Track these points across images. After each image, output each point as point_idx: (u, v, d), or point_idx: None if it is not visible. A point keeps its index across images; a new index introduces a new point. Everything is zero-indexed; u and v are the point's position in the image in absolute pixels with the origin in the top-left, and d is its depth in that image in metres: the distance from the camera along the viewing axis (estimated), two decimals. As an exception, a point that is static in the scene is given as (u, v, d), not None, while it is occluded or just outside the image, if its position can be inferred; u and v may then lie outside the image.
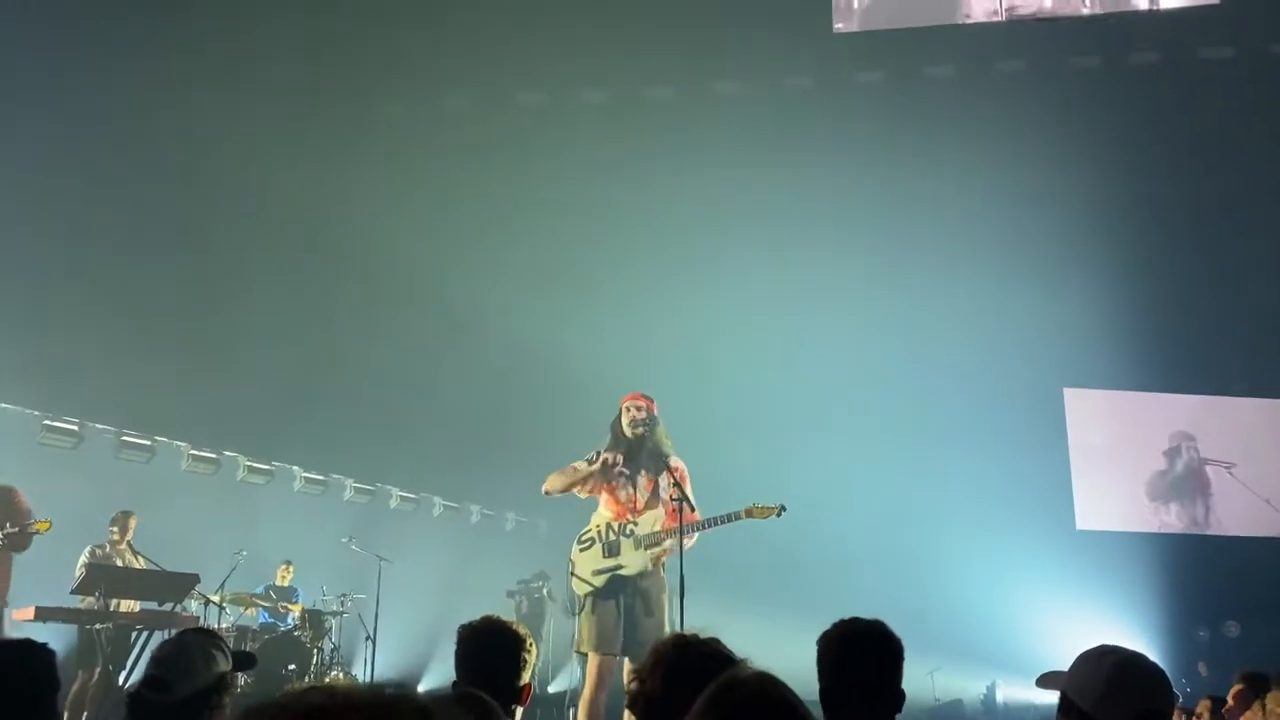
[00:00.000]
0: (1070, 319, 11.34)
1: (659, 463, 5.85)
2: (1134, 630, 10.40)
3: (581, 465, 5.92)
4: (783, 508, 5.75)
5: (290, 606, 9.56)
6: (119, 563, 7.66)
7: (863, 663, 2.63)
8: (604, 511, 5.91)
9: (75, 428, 10.03)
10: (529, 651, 2.93)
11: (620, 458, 5.89)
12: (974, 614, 10.58)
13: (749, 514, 5.73)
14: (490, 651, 2.89)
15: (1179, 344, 11.61)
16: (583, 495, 5.99)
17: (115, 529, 7.84)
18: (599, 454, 5.90)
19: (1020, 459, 11.56)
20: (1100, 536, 11.88)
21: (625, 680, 4.90)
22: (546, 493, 5.97)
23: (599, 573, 5.76)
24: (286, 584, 9.91)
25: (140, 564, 7.77)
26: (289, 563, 10.04)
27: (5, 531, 6.73)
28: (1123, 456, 12.67)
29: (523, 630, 2.99)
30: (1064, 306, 11.37)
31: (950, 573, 10.88)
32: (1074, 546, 11.56)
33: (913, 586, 9.95)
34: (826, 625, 2.76)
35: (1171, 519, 12.33)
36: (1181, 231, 11.46)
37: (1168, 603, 11.17)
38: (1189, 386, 12.41)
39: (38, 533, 6.92)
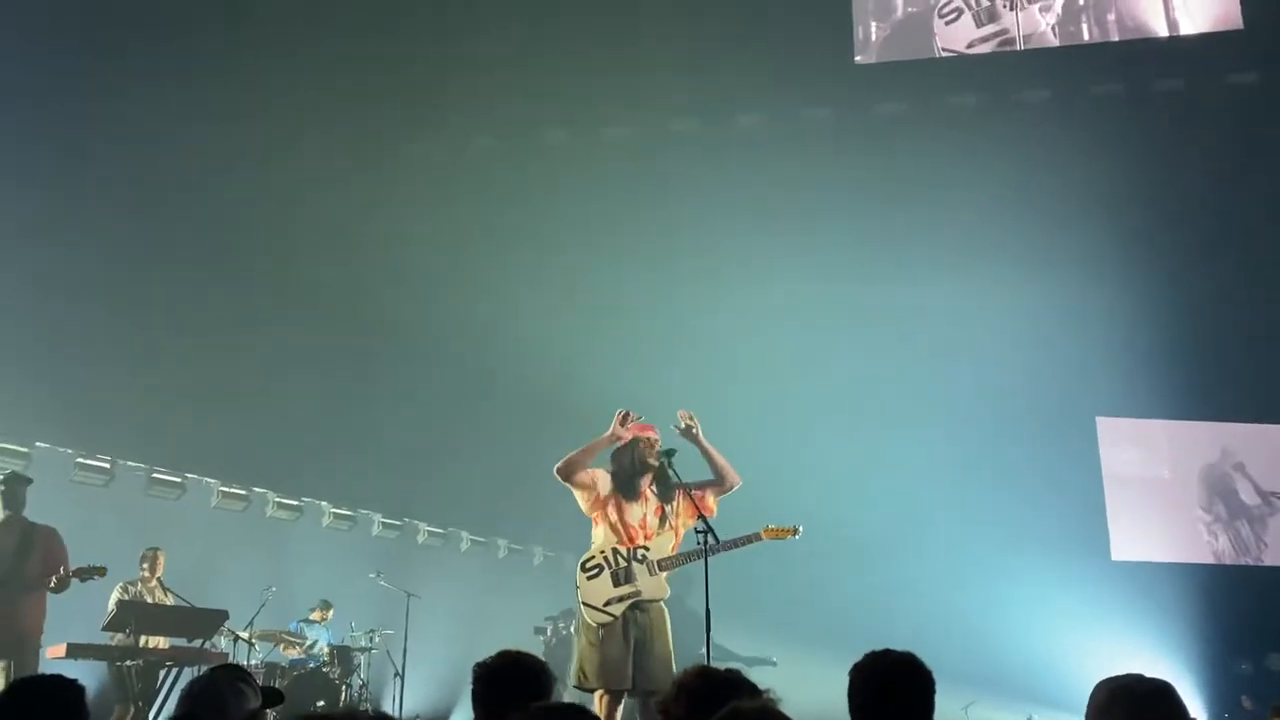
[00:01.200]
0: (1101, 346, 11.25)
1: (668, 490, 5.85)
2: (1173, 662, 10.20)
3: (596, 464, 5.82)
4: (798, 528, 5.78)
5: (332, 645, 9.54)
6: (149, 600, 7.70)
7: (894, 696, 2.61)
8: (607, 536, 5.78)
9: (107, 465, 10.14)
10: (549, 684, 2.90)
11: (650, 477, 5.85)
12: (1010, 646, 10.42)
13: (766, 535, 5.75)
14: (509, 688, 2.84)
15: (1215, 370, 11.47)
16: (584, 506, 5.88)
17: (145, 566, 7.90)
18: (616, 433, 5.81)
19: (1053, 489, 11.44)
20: (1137, 567, 11.69)
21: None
22: (560, 472, 5.76)
23: (616, 601, 5.63)
24: (325, 624, 9.93)
25: (170, 601, 7.81)
26: (328, 605, 10.04)
27: (58, 576, 6.76)
28: (1160, 486, 12.47)
29: (541, 661, 2.95)
30: (1094, 334, 11.29)
31: (985, 605, 10.74)
32: (1110, 578, 11.38)
33: (946, 618, 9.82)
34: (857, 657, 2.74)
35: (1217, 549, 12.11)
36: (1212, 256, 11.35)
37: (1208, 634, 10.95)
38: (1226, 414, 12.24)
39: (96, 578, 6.97)
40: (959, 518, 11.25)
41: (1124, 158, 10.84)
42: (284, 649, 9.41)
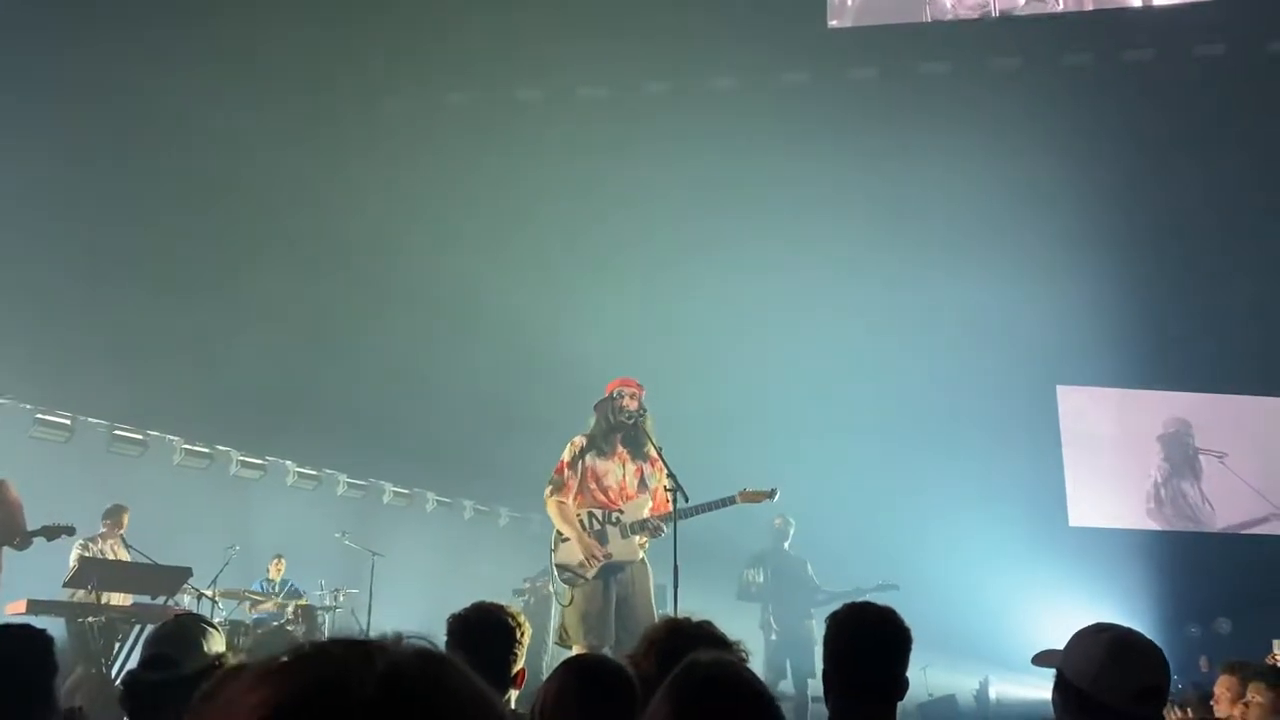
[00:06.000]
0: (1063, 316, 11.36)
1: (642, 452, 5.84)
2: (1129, 625, 10.38)
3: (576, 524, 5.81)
4: (774, 491, 5.79)
5: (298, 603, 9.50)
6: (109, 556, 7.63)
7: (870, 649, 2.61)
8: (584, 500, 5.77)
9: (68, 421, 9.99)
10: (521, 633, 2.92)
11: (618, 439, 5.85)
12: (967, 611, 10.57)
13: (742, 498, 5.74)
14: (481, 638, 2.86)
15: (1173, 341, 11.64)
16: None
17: (108, 521, 7.81)
18: (581, 446, 5.86)
19: (1012, 457, 11.56)
20: (1093, 533, 11.90)
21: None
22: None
23: (589, 562, 5.65)
24: (279, 578, 9.89)
25: (129, 558, 7.74)
26: (280, 556, 10.01)
27: (21, 535, 6.66)
28: (1116, 454, 12.68)
29: (513, 610, 2.97)
30: (1057, 303, 11.39)
31: (943, 569, 10.87)
32: (1067, 544, 11.57)
33: (904, 583, 9.92)
34: (818, 619, 2.76)
35: (1166, 516, 12.35)
36: (1175, 228, 11.49)
37: (1160, 599, 11.17)
38: (1183, 384, 12.44)
39: (64, 537, 6.90)
40: (918, 485, 11.35)
41: (1090, 128, 10.91)
42: (250, 609, 9.38)
